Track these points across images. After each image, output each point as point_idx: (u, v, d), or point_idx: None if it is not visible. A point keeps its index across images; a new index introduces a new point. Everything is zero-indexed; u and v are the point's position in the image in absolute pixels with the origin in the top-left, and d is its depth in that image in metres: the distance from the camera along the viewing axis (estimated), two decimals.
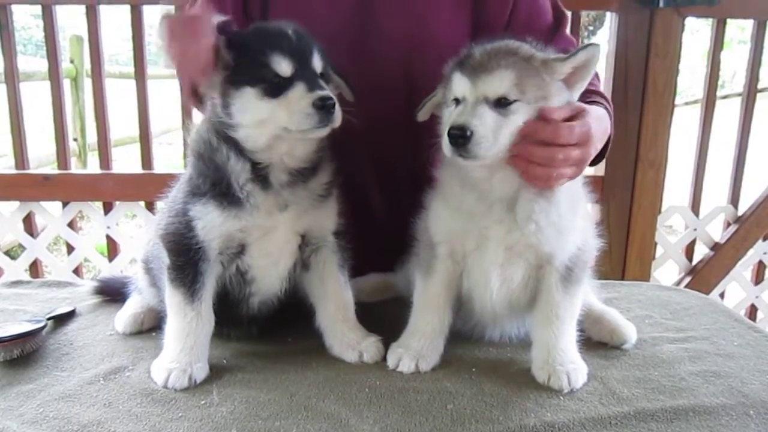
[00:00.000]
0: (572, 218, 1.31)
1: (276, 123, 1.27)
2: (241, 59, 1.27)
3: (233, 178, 1.30)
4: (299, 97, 1.26)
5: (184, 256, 1.31)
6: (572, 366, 1.31)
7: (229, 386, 1.28)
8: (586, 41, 5.50)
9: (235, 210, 1.30)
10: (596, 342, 1.48)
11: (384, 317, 1.53)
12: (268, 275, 1.41)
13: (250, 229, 1.33)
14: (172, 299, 1.33)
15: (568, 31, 1.78)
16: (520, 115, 1.22)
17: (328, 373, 1.34)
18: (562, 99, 1.26)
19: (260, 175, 1.32)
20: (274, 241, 1.37)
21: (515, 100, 1.21)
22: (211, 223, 1.30)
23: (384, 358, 1.39)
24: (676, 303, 1.77)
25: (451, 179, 1.34)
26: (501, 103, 1.21)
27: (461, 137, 1.19)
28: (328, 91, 1.27)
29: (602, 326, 1.50)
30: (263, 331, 1.49)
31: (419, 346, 1.38)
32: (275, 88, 1.26)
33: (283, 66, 1.26)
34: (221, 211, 1.30)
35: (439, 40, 1.63)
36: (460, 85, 1.26)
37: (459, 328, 1.48)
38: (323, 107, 1.25)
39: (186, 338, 1.31)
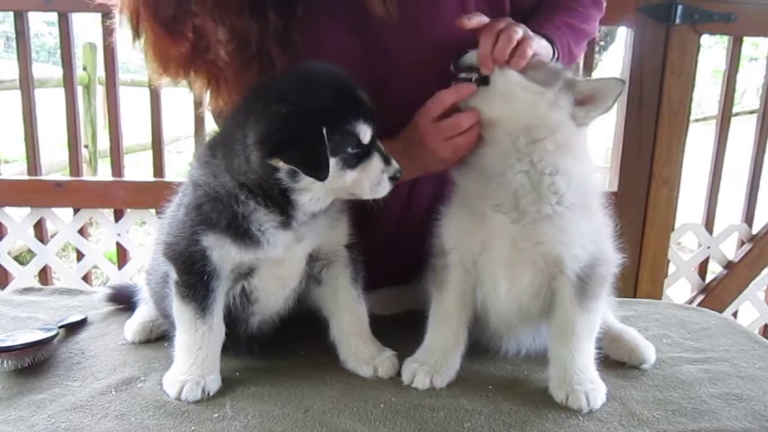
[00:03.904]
0: (576, 221, 1.30)
1: (348, 190, 1.28)
2: (329, 127, 1.19)
3: (254, 226, 1.26)
4: (378, 169, 1.27)
5: (197, 276, 1.28)
6: (591, 386, 1.29)
7: (243, 400, 1.27)
8: (597, 57, 5.49)
9: (252, 245, 1.27)
10: (614, 361, 1.46)
11: (400, 330, 1.51)
12: (273, 297, 1.40)
13: (265, 259, 1.31)
14: (183, 314, 1.30)
15: None
16: (517, 83, 1.32)
17: (343, 387, 1.32)
18: (558, 103, 1.30)
19: (286, 221, 1.29)
20: (286, 267, 1.36)
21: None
22: (227, 255, 1.27)
23: (399, 373, 1.37)
24: (693, 323, 1.74)
25: (467, 177, 1.37)
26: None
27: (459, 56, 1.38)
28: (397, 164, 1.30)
29: (621, 345, 1.47)
30: (264, 348, 1.46)
31: (434, 361, 1.36)
32: (355, 157, 1.24)
33: (367, 135, 1.24)
34: (237, 246, 1.27)
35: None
36: None
37: (476, 338, 1.46)
38: (394, 178, 1.29)
39: (198, 351, 1.29)
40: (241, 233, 1.26)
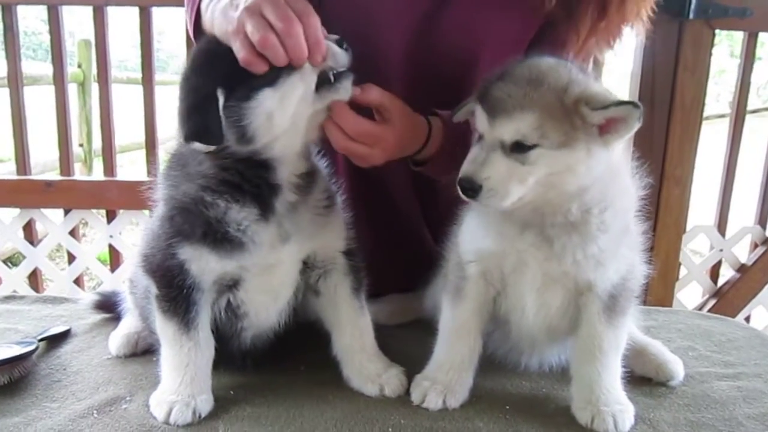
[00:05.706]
0: (615, 249, 1.18)
1: (311, 96, 1.15)
2: (231, 76, 1.10)
3: (232, 227, 1.16)
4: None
5: (176, 290, 1.17)
6: (618, 407, 1.18)
7: (237, 422, 1.16)
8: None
9: (233, 251, 1.17)
10: (639, 377, 1.35)
11: (407, 342, 1.41)
12: (264, 310, 1.28)
13: (249, 266, 1.19)
14: (166, 329, 1.19)
15: None
16: (541, 163, 1.08)
17: (347, 408, 1.21)
18: (591, 150, 1.10)
19: (265, 205, 1.18)
20: (275, 276, 1.24)
21: (535, 146, 1.08)
22: (206, 266, 1.17)
23: (408, 392, 1.26)
24: (719, 334, 1.63)
25: (491, 212, 1.22)
26: (519, 148, 1.09)
27: (470, 190, 1.10)
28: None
29: (646, 360, 1.37)
30: (259, 363, 1.34)
31: (447, 379, 1.25)
32: (288, 67, 1.11)
33: None
34: (216, 255, 1.16)
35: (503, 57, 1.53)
36: (480, 120, 1.15)
37: (492, 351, 1.36)
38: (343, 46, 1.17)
39: (185, 369, 1.17)
40: (220, 239, 1.16)
